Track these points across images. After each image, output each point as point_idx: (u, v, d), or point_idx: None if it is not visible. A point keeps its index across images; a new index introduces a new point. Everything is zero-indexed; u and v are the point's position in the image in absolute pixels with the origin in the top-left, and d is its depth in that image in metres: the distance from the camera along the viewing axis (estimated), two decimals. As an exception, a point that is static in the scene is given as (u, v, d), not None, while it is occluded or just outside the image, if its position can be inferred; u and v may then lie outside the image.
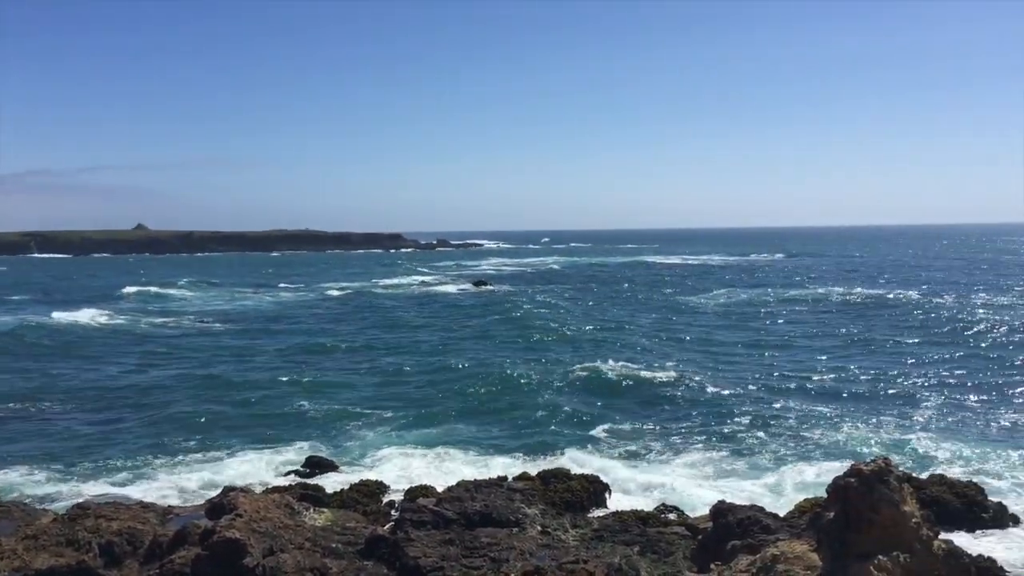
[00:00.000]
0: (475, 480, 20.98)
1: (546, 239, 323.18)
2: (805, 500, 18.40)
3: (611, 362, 38.85)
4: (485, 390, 34.16)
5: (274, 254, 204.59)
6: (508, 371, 37.14)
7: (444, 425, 29.00)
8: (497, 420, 29.87)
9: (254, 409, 31.77)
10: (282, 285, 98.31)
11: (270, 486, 21.40)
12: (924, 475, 20.42)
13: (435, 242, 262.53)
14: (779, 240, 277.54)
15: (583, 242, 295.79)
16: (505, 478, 21.56)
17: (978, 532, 18.18)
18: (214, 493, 20.60)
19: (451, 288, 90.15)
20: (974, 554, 15.86)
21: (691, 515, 19.15)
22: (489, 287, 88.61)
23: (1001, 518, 18.68)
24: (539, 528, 18.31)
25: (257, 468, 24.21)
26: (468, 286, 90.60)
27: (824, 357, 41.31)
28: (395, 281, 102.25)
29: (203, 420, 29.96)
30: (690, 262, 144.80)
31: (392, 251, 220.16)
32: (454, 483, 20.58)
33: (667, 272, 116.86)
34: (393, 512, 19.20)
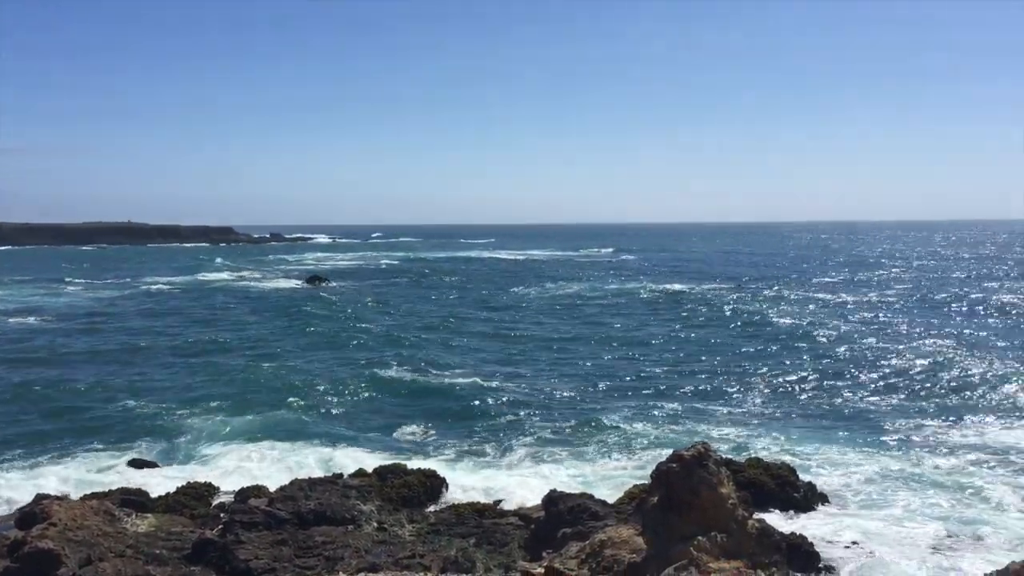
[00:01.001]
0: (309, 478, 20.63)
1: (377, 234, 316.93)
2: (635, 487, 19.09)
3: (430, 363, 39.14)
4: (319, 388, 33.64)
5: (88, 248, 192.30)
6: (333, 372, 36.89)
7: (275, 423, 28.30)
8: (329, 417, 29.46)
9: (73, 411, 29.99)
10: (107, 280, 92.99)
11: (88, 492, 20.23)
12: (742, 459, 21.61)
13: (268, 236, 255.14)
14: (615, 236, 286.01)
15: (417, 236, 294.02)
16: (341, 475, 21.31)
17: (791, 511, 19.37)
18: (26, 501, 19.34)
19: (280, 284, 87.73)
20: (787, 531, 17.10)
21: (526, 506, 19.51)
22: (322, 283, 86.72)
23: (811, 497, 20.04)
24: (375, 525, 18.22)
25: (76, 473, 22.85)
26: (297, 283, 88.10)
27: (639, 351, 42.99)
28: (220, 276, 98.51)
29: (16, 424, 28.04)
30: (518, 257, 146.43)
31: (222, 245, 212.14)
32: (287, 482, 20.17)
33: (493, 267, 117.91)
34: (223, 514, 18.57)
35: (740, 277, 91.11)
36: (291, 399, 31.61)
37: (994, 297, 65.92)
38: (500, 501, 20.22)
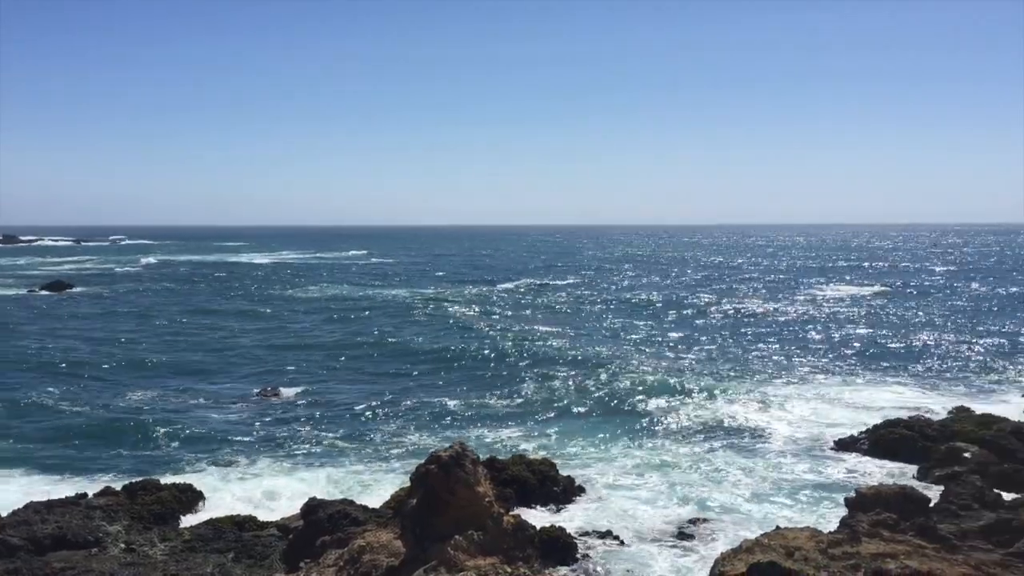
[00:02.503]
0: (48, 500, 18.98)
1: (118, 236, 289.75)
2: (399, 490, 19.04)
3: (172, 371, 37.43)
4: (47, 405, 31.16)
5: None
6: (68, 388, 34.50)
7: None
8: (66, 439, 27.22)
9: None
10: None
11: None
12: (518, 455, 22.15)
13: (1, 237, 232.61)
14: (371, 239, 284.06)
15: (166, 239, 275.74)
16: (85, 495, 19.77)
17: (552, 505, 20.06)
18: None
19: (18, 291, 79.54)
20: (547, 525, 17.72)
21: (287, 516, 18.95)
22: (69, 289, 79.62)
23: (570, 490, 20.84)
24: (123, 546, 17.04)
25: None
26: (23, 290, 79.37)
27: (404, 358, 43.20)
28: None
29: None
30: (267, 261, 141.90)
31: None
32: (21, 505, 18.45)
33: (247, 272, 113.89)
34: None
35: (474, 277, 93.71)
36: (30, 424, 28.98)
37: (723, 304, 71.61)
38: (262, 512, 19.53)
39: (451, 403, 31.55)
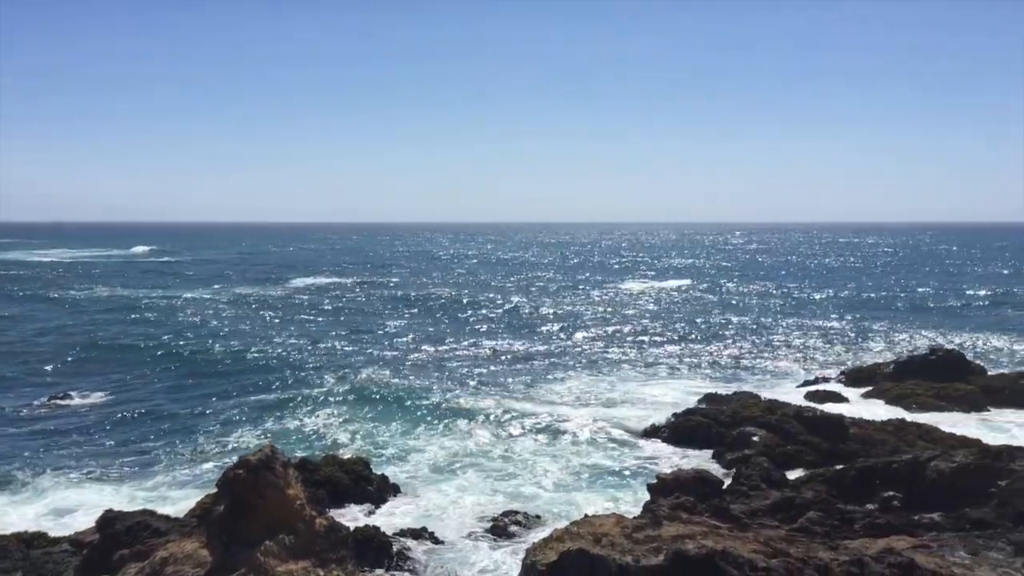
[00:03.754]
0: None
1: None
2: (206, 496, 18.30)
3: None
4: None
5: None
6: None
7: None
8: None
9: None
10: None
11: None
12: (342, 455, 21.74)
13: None
14: (160, 236, 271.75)
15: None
16: None
17: (367, 504, 19.86)
18: None
19: None
20: (361, 525, 17.53)
21: (82, 529, 17.79)
22: None
23: (385, 489, 20.71)
24: None
25: None
26: None
27: (208, 358, 41.70)
28: None
29: None
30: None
31: None
32: None
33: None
34: None
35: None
36: None
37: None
38: (53, 528, 18.23)
39: (257, 404, 30.63)
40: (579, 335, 48.22)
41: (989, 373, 31.84)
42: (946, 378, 30.48)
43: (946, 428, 24.18)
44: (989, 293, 72.24)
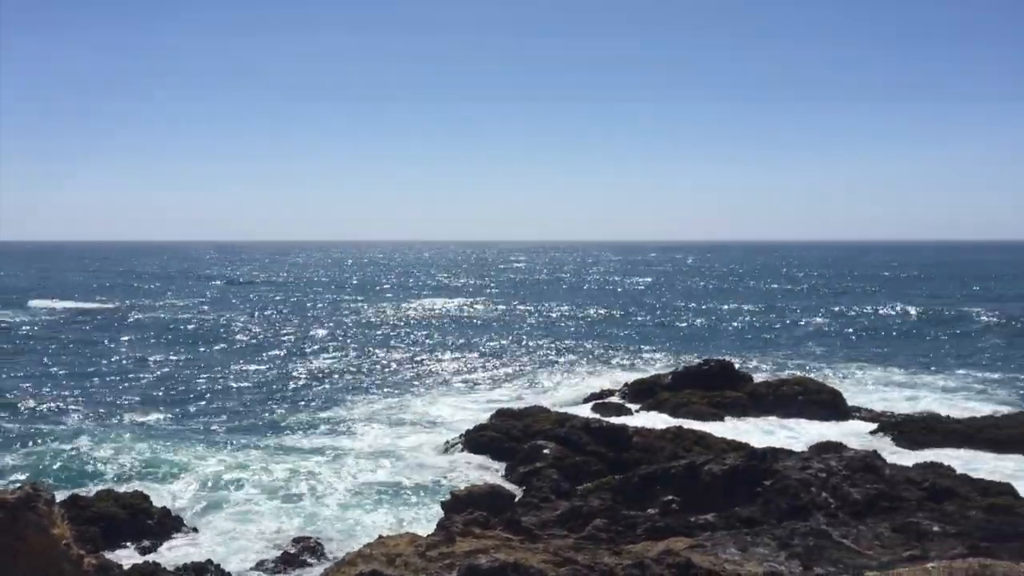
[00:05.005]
0: None
1: None
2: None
3: None
4: None
5: None
6: None
7: None
8: None
9: None
10: None
11: None
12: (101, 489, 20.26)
13: None
14: None
15: None
16: None
17: (146, 540, 18.66)
18: None
19: None
20: (140, 562, 16.49)
21: None
22: None
23: (166, 522, 19.54)
24: None
25: None
26: None
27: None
28: None
29: None
30: None
31: None
32: None
33: None
34: None
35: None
36: None
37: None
38: None
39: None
40: (368, 354, 47.83)
41: (755, 380, 34.36)
42: (718, 386, 32.62)
43: (719, 433, 25.87)
44: (757, 308, 78.13)
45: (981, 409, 31.31)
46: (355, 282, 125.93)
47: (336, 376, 40.89)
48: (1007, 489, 18.81)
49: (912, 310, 72.41)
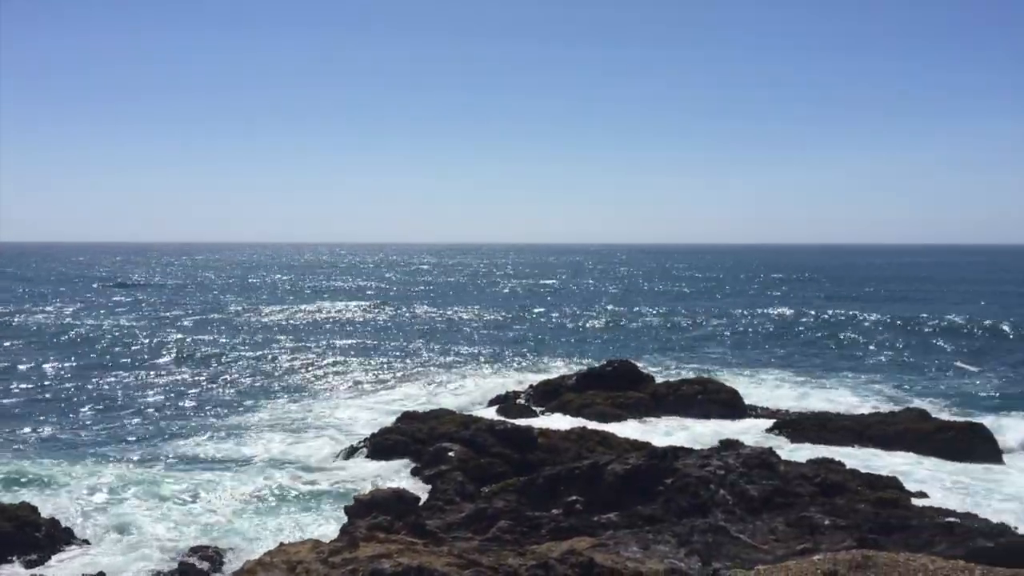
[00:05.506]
0: None
1: None
2: None
3: None
4: None
5: None
6: None
7: None
8: None
9: None
10: None
11: None
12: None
13: None
14: None
15: None
16: None
17: (34, 554, 17.88)
18: None
19: None
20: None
21: None
22: None
23: (56, 535, 18.77)
24: None
25: None
26: None
27: None
28: None
29: None
30: None
31: None
32: None
33: None
34: None
35: None
36: None
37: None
38: None
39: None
40: (266, 358, 46.92)
41: (657, 381, 35.03)
42: (621, 387, 33.14)
43: (622, 433, 26.26)
44: (660, 311, 79.67)
45: (869, 407, 32.65)
46: (256, 283, 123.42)
47: (233, 381, 39.98)
48: (893, 483, 19.70)
49: (803, 312, 74.99)
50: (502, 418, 28.88)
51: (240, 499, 21.56)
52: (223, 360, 46.40)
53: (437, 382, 39.63)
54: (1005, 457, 25.67)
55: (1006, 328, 59.90)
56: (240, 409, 33.34)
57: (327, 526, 18.93)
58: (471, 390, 37.60)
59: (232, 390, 37.73)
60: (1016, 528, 16.76)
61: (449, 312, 77.30)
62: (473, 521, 16.24)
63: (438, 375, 41.60)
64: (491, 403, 33.99)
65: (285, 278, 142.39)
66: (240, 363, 45.38)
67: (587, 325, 66.93)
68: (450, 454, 23.39)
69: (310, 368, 43.82)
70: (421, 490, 20.94)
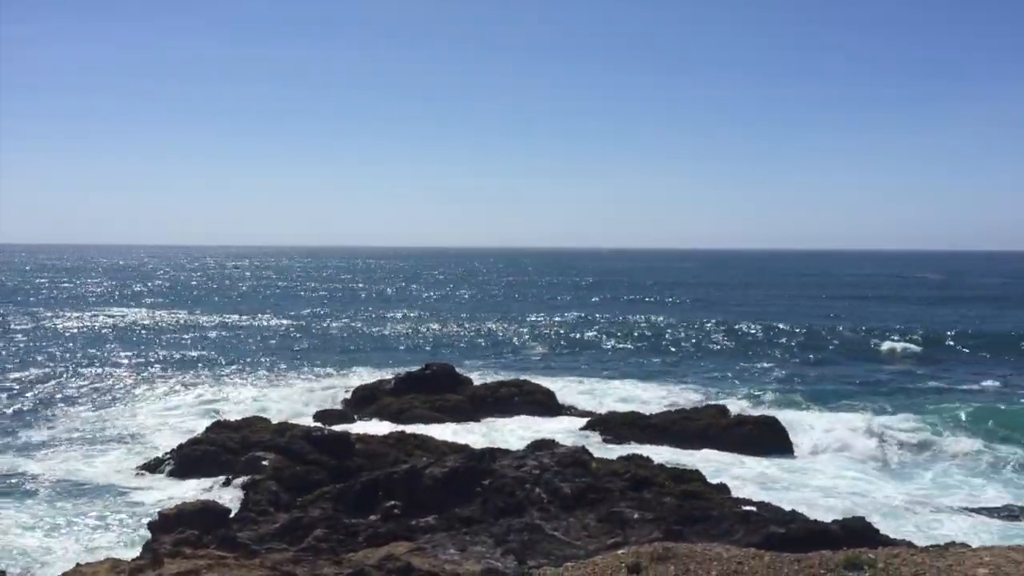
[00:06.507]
0: None
1: None
2: None
3: None
4: None
5: None
6: None
7: None
8: None
9: None
10: None
11: None
12: None
13: None
14: None
15: None
16: None
17: None
18: None
19: None
20: None
21: None
22: None
23: None
24: None
25: None
26: None
27: None
28: None
29: None
30: None
31: None
32: None
33: None
34: None
35: None
36: None
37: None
38: None
39: None
40: (63, 368, 43.86)
41: (475, 383, 35.38)
42: (440, 390, 33.25)
43: (441, 436, 26.32)
44: (478, 314, 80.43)
45: (676, 404, 34.26)
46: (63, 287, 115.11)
47: (25, 393, 37.04)
48: (697, 476, 20.76)
49: (611, 316, 77.95)
50: (319, 424, 28.29)
51: (33, 519, 19.99)
52: (12, 370, 42.91)
53: (250, 389, 38.31)
54: (796, 449, 27.65)
55: (783, 326, 64.50)
56: (35, 422, 30.93)
57: (129, 544, 17.86)
58: (286, 397, 36.60)
59: (25, 402, 34.92)
60: (806, 514, 18.07)
61: (267, 317, 75.00)
62: (288, 531, 15.79)
63: (251, 382, 40.23)
64: (309, 409, 33.21)
65: (99, 282, 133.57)
66: (32, 374, 42.10)
67: (405, 328, 66.68)
68: (264, 463, 22.64)
69: (112, 377, 41.26)
70: (233, 501, 20.14)
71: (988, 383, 41.29)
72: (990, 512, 21.38)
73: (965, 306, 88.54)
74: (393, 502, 17.76)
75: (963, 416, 31.43)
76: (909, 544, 13.43)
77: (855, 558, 7.12)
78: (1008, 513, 21.28)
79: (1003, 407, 33.84)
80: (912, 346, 54.41)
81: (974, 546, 7.90)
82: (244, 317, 74.32)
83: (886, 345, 54.92)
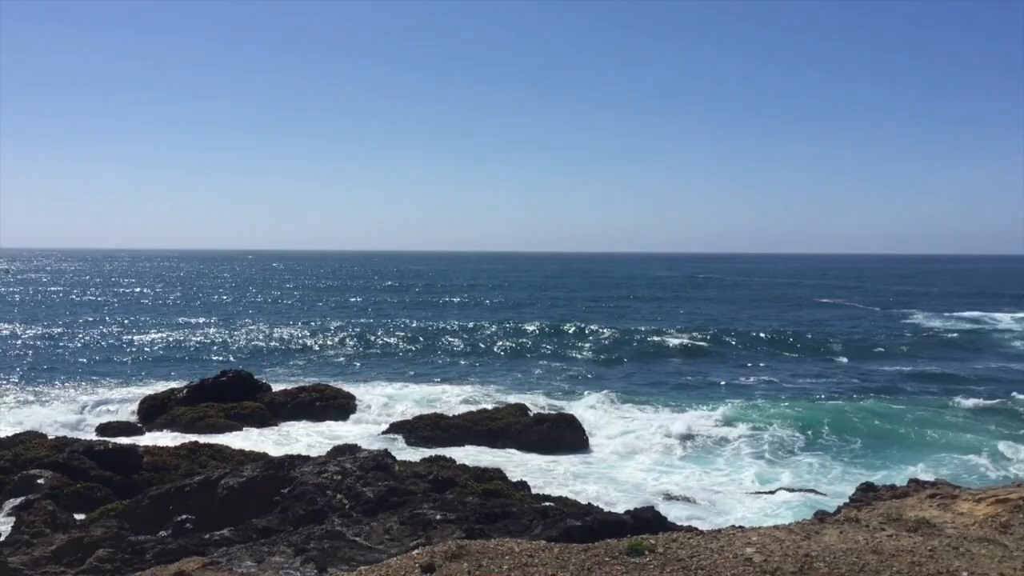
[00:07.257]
0: None
1: None
2: None
3: None
4: None
5: None
6: None
7: None
8: None
9: None
10: None
11: None
12: None
13: None
14: None
15: None
16: None
17: None
18: None
19: None
20: None
21: None
22: None
23: None
24: None
25: None
26: None
27: None
28: None
29: None
30: None
31: None
32: None
33: None
34: None
35: None
36: None
37: None
38: None
39: None
40: None
41: (274, 390, 34.39)
42: (236, 398, 32.08)
43: (237, 445, 25.42)
44: (276, 320, 78.13)
45: (479, 404, 34.75)
46: None
47: None
48: (498, 475, 21.16)
49: (411, 319, 78.08)
50: (103, 439, 26.56)
51: None
52: None
53: (26, 401, 35.45)
54: (594, 446, 28.73)
55: (597, 327, 66.99)
56: None
57: None
58: (68, 409, 34.13)
59: None
60: (602, 508, 18.81)
61: (29, 329, 69.54)
62: (66, 553, 14.71)
63: (26, 393, 37.23)
64: (91, 422, 31.11)
65: None
66: None
67: (199, 336, 63.78)
68: (39, 482, 21.02)
69: None
70: (4, 525, 18.56)
71: (769, 377, 44.61)
72: (771, 494, 23.08)
73: (748, 306, 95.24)
74: (185, 516, 16.95)
75: (753, 408, 33.79)
76: (690, 528, 14.27)
77: (638, 544, 7.49)
78: (789, 496, 23.05)
79: (784, 398, 36.82)
80: (700, 343, 57.94)
81: (747, 528, 8.55)
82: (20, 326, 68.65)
83: (675, 342, 58.12)
